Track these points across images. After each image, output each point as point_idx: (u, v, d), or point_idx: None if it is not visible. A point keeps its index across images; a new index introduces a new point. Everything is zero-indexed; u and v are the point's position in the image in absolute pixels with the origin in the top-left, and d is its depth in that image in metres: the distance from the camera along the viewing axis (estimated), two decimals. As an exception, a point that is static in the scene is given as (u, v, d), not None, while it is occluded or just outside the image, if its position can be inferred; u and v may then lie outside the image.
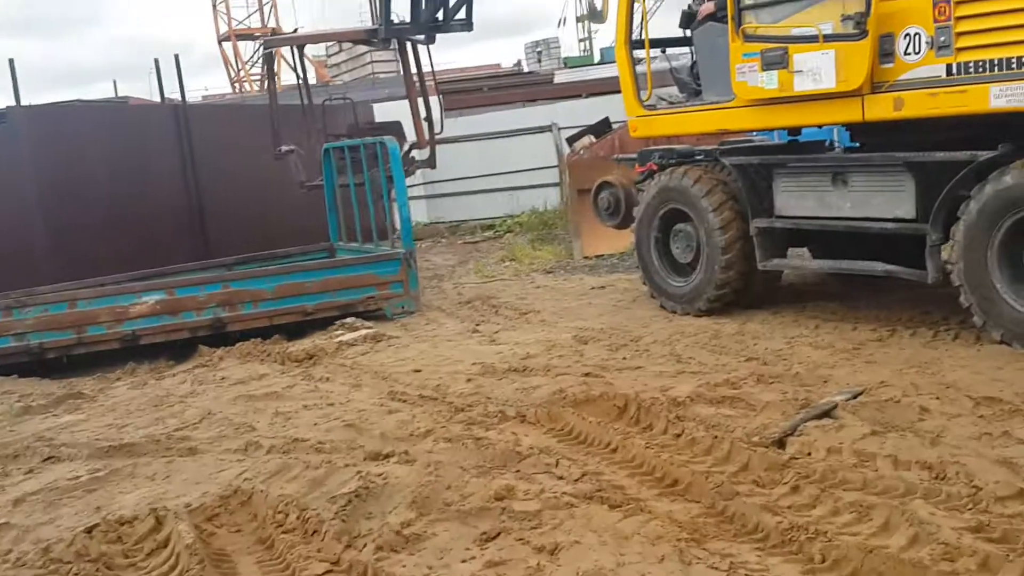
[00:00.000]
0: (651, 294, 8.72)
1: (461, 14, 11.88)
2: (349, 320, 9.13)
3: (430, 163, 13.32)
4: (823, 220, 7.30)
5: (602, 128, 15.19)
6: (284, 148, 12.39)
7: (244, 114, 15.87)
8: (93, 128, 12.33)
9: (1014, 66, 5.85)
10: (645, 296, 9.14)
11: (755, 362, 6.48)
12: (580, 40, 58.39)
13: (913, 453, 4.53)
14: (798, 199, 7.47)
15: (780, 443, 4.85)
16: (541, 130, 19.05)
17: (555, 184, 18.91)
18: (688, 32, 8.48)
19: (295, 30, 13.40)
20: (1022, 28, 5.78)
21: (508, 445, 5.22)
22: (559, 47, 47.59)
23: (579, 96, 22.95)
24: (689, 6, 8.51)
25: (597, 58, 45.24)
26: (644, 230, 8.60)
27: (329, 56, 45.00)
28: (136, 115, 14.25)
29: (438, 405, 6.27)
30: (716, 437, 4.94)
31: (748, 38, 7.23)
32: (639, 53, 8.46)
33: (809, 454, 4.70)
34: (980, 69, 6.02)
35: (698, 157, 8.58)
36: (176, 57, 13.97)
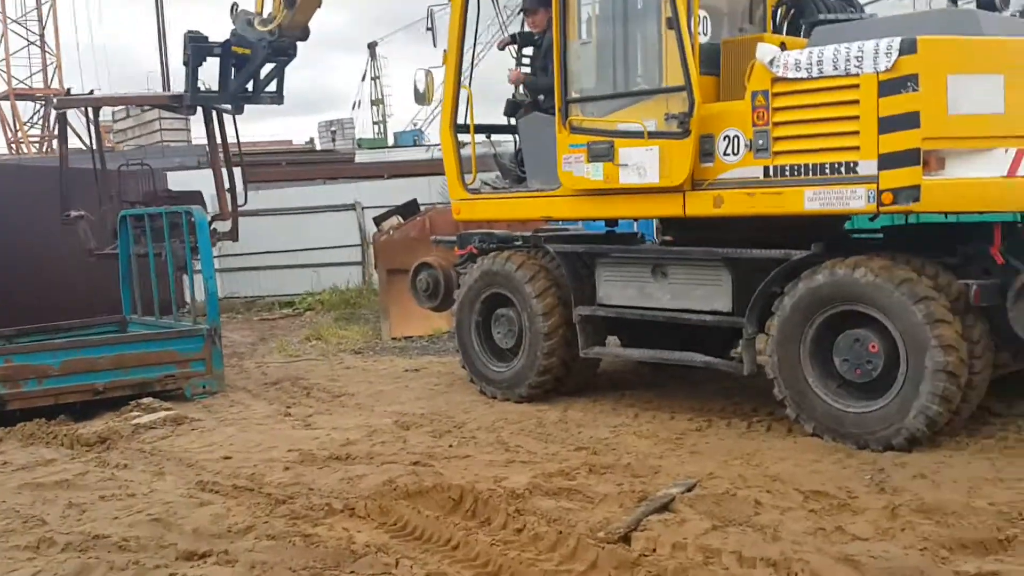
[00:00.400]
0: (471, 379, 8.60)
1: (272, 86, 11.59)
2: (146, 400, 8.43)
3: (232, 236, 12.75)
4: (644, 310, 7.47)
5: (410, 209, 15.16)
6: (73, 213, 11.50)
7: (27, 176, 14.66)
8: None
9: (827, 171, 6.24)
10: (463, 380, 9.00)
11: (585, 451, 6.45)
12: (375, 123, 58.94)
13: (756, 549, 4.57)
14: (620, 288, 7.62)
15: (625, 539, 4.77)
16: (344, 208, 18.84)
17: (358, 263, 18.67)
18: (513, 120, 8.58)
19: (91, 91, 12.59)
20: (834, 136, 6.17)
21: (340, 543, 4.88)
22: (353, 128, 47.70)
23: (381, 177, 22.94)
24: (514, 95, 8.64)
25: (391, 141, 45.69)
26: (465, 314, 8.51)
27: (115, 121, 42.90)
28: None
29: (255, 496, 5.81)
30: (560, 532, 4.82)
31: (575, 130, 7.38)
32: (463, 137, 8.48)
33: (655, 550, 4.65)
34: (795, 172, 6.39)
35: (518, 243, 8.64)
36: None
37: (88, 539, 5.12)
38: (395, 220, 14.85)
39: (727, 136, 6.69)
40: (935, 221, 6.80)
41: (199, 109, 11.67)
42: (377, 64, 58.78)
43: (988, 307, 6.13)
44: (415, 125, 54.99)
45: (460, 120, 8.44)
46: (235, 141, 12.61)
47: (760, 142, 6.50)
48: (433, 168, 21.80)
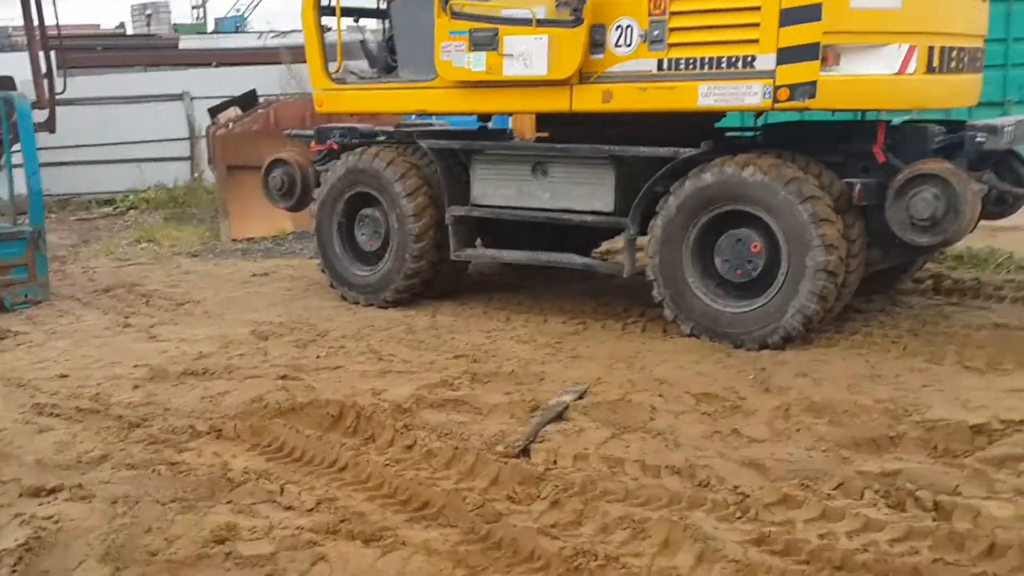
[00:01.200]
0: (331, 283, 8.05)
1: None
2: (-41, 312, 7.45)
3: (49, 126, 11.45)
4: (522, 210, 7.11)
5: (249, 100, 14.11)
6: None
7: None
8: None
9: (723, 65, 5.98)
10: (320, 285, 8.44)
11: (464, 359, 6.11)
12: (193, 7, 55.16)
13: (659, 457, 4.40)
14: (496, 187, 7.22)
15: (525, 451, 4.50)
16: (170, 98, 17.42)
17: (186, 158, 17.39)
18: (384, 3, 7.88)
19: None
20: (734, 28, 5.91)
21: (212, 469, 4.39)
22: (169, 12, 44.42)
23: (208, 64, 21.36)
24: (384, -27, 7.94)
25: (211, 27, 42.88)
26: (326, 214, 7.89)
27: None
28: None
29: (103, 420, 5.18)
30: (456, 448, 4.50)
31: (456, 15, 6.81)
32: (327, 21, 7.73)
33: (556, 462, 4.41)
34: (690, 66, 6.10)
35: (382, 138, 8.05)
36: None
37: (-96, 476, 4.40)
38: (233, 112, 13.78)
39: (620, 26, 6.31)
40: (817, 119, 6.70)
41: None
42: (193, -57, 54.83)
43: (866, 206, 6.12)
44: (238, 11, 51.95)
45: (324, 1, 7.66)
46: (53, 23, 11.26)
47: (655, 33, 6.17)
48: (267, 57, 20.49)
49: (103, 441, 4.82)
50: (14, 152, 8.96)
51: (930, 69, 6.10)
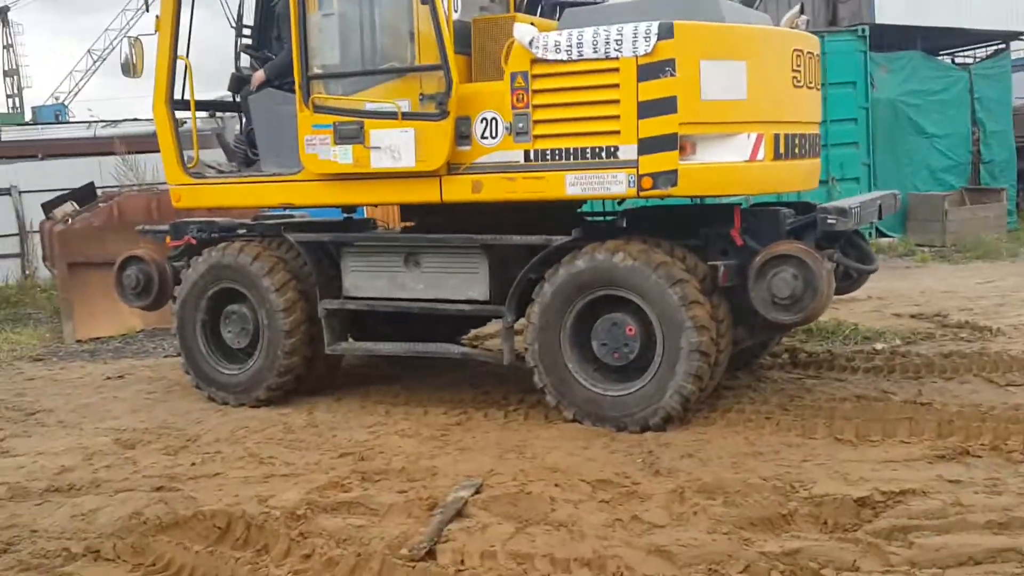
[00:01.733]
0: (196, 384, 7.72)
1: None
2: None
3: None
4: (396, 301, 7.08)
5: (86, 193, 13.58)
6: None
7: None
8: None
9: (588, 156, 6.19)
10: (183, 385, 8.10)
11: (350, 457, 5.96)
12: (9, 96, 52.90)
13: (566, 549, 4.40)
14: (369, 279, 7.16)
15: (431, 553, 4.41)
16: (-6, 193, 16.53)
17: (16, 255, 16.48)
18: (237, 97, 7.79)
19: None
20: (595, 120, 6.13)
21: (97, 598, 4.08)
22: (-19, 102, 42.50)
23: (35, 156, 20.45)
24: (239, 69, 7.86)
25: (28, 116, 41.17)
26: (189, 312, 7.61)
27: None
28: None
29: (-40, 549, 4.75)
30: (359, 555, 4.36)
31: (319, 109, 6.80)
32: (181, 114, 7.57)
33: (463, 562, 4.34)
34: (556, 157, 6.28)
35: (242, 232, 7.88)
36: None
37: None
38: (69, 207, 13.19)
39: (484, 118, 6.45)
40: (677, 204, 7.01)
41: None
42: (10, 31, 52.87)
43: (730, 287, 6.41)
44: (57, 99, 50.16)
45: (177, 95, 7.50)
46: None
47: (520, 125, 6.33)
48: (99, 147, 19.82)
49: (-36, 574, 4.43)
50: None
51: (777, 155, 6.51)
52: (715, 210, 6.88)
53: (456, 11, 6.60)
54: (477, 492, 5.16)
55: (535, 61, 6.22)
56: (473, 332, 8.85)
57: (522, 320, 6.78)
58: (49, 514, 5.19)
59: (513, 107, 6.34)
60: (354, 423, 6.83)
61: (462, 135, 6.52)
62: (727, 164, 6.28)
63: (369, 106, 6.71)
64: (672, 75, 5.94)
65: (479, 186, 6.54)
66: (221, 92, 8.91)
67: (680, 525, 4.72)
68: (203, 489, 5.49)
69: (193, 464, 6.02)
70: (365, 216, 9.66)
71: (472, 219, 6.98)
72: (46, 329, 11.82)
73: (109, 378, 8.87)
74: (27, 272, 16.15)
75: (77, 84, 53.57)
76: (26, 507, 5.32)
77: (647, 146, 6.05)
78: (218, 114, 8.41)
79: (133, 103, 56.63)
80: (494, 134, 6.45)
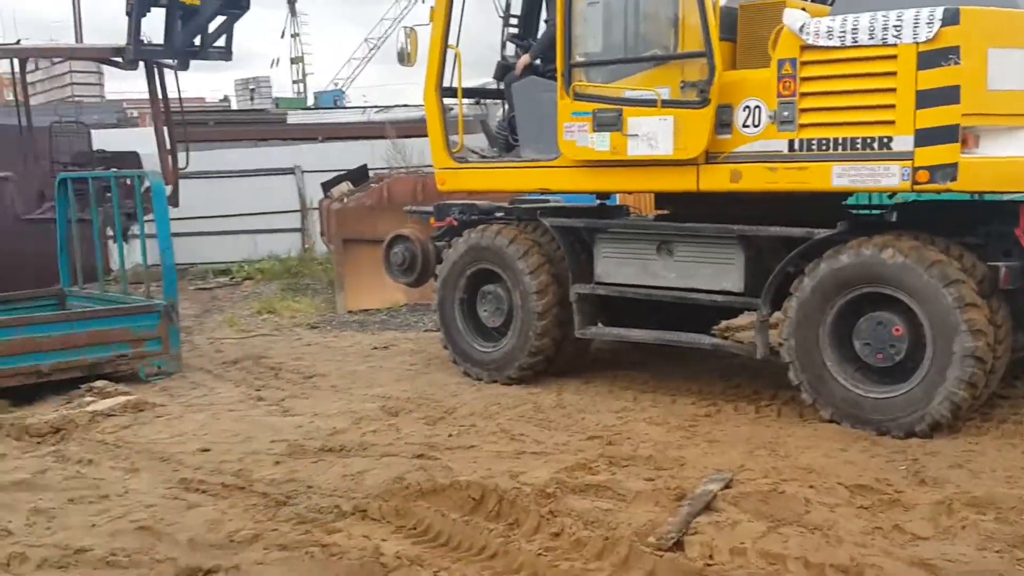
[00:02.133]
0: (453, 359, 8.10)
1: (220, 41, 10.79)
2: (99, 383, 7.70)
3: (173, 201, 11.94)
4: (647, 288, 7.08)
5: (360, 175, 14.51)
6: None
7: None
8: None
9: (858, 146, 5.91)
10: (440, 359, 8.52)
11: (597, 441, 6.05)
12: (294, 82, 57.33)
13: (822, 554, 4.25)
14: (620, 266, 7.22)
15: (679, 544, 4.40)
16: (282, 172, 17.99)
17: (297, 230, 17.89)
18: (501, 85, 8.06)
19: (17, 41, 11.53)
20: (868, 109, 5.85)
21: (365, 554, 4.39)
22: (270, 86, 46.28)
23: (315, 139, 22.06)
24: (504, 57, 8.13)
25: (310, 101, 44.42)
26: (448, 291, 7.99)
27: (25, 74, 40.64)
28: None
29: (249, 496, 5.27)
30: (606, 538, 4.42)
31: (579, 97, 6.91)
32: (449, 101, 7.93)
33: (712, 557, 4.29)
34: (823, 147, 6.05)
35: (499, 215, 8.16)
36: None
37: (67, 553, 4.53)
38: (345, 186, 14.18)
39: (747, 106, 6.31)
40: (954, 199, 6.55)
41: (141, 64, 10.80)
42: (297, 20, 57.23)
43: (1012, 289, 5.93)
44: (336, 85, 53.83)
45: (446, 83, 7.87)
46: (177, 98, 11.81)
47: (785, 113, 6.14)
48: (372, 131, 21.12)
49: (252, 520, 4.89)
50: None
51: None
52: (997, 207, 6.36)
53: (722, -3, 6.47)
54: (727, 487, 5.08)
55: (805, 47, 6.01)
56: (724, 323, 8.70)
57: (777, 314, 6.60)
58: (323, 472, 5.63)
59: (779, 95, 6.16)
60: (602, 407, 6.92)
61: (723, 123, 6.41)
62: (1014, 158, 5.80)
63: (628, 94, 6.73)
64: (956, 63, 5.55)
65: (738, 176, 6.41)
66: (484, 79, 9.27)
67: (946, 539, 4.45)
68: (459, 460, 5.76)
69: (450, 435, 6.33)
70: (618, 203, 9.72)
71: (728, 209, 6.86)
72: (321, 299, 12.80)
73: (376, 348, 9.48)
74: (306, 246, 17.53)
75: (354, 71, 57.30)
76: (302, 464, 5.80)
77: (924, 138, 5.70)
78: (482, 101, 8.70)
79: (403, 90, 59.88)
80: (757, 123, 6.30)
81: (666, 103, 6.53)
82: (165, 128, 11.65)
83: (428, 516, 4.81)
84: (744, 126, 6.36)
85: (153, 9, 10.19)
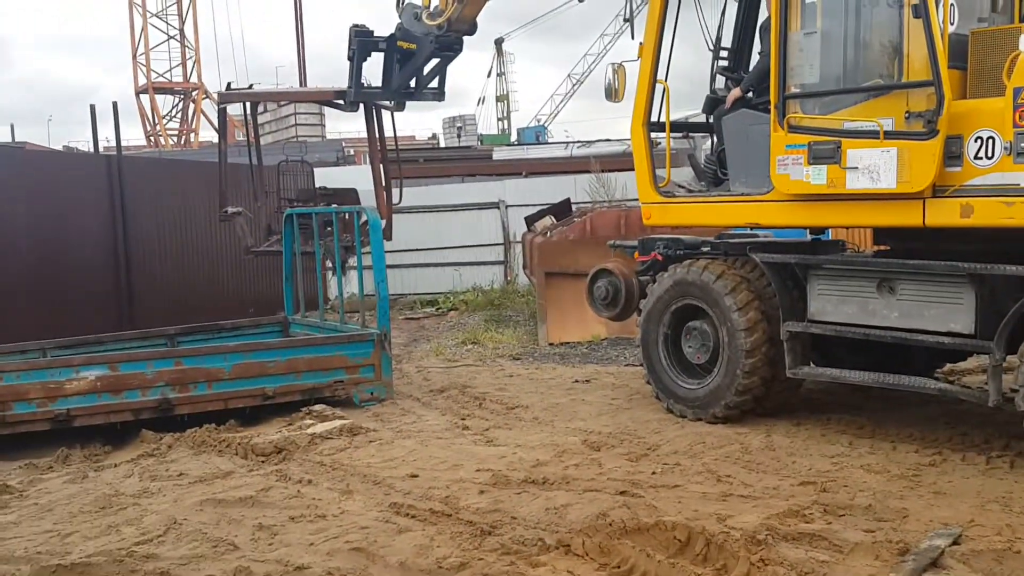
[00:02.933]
0: (656, 395, 8.00)
1: (434, 83, 11.21)
2: (317, 407, 8.13)
3: (387, 235, 12.47)
4: (866, 328, 6.73)
5: (563, 209, 14.70)
6: (231, 210, 11.38)
7: (181, 170, 14.77)
8: (13, 176, 11.15)
9: (1109, 180, 5.42)
10: (643, 394, 8.44)
11: (811, 487, 5.78)
12: (499, 119, 59.03)
13: (1067, 623, 3.86)
14: (837, 304, 6.90)
15: (903, 602, 4.12)
16: (487, 206, 18.50)
17: (500, 262, 18.30)
18: (710, 118, 7.95)
19: (250, 86, 12.42)
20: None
21: (571, 589, 4.36)
22: (476, 124, 47.82)
23: (519, 174, 22.57)
24: (714, 91, 8.02)
25: (513, 137, 45.52)
26: (653, 325, 7.90)
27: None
28: (64, 164, 13.02)
29: (455, 524, 5.36)
30: (824, 591, 4.19)
31: (793, 129, 6.70)
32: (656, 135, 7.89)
33: (941, 618, 3.99)
34: (1067, 181, 5.58)
35: (706, 249, 8.00)
36: (114, 105, 12.93)
37: (288, 570, 4.75)
38: (548, 220, 14.40)
39: (979, 137, 5.92)
40: None
41: (360, 105, 11.37)
42: (503, 60, 58.96)
43: None
44: (538, 121, 54.99)
45: (653, 117, 7.84)
46: (392, 137, 12.34)
47: (1022, 145, 5.71)
48: (574, 166, 21.41)
49: (459, 547, 4.97)
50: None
51: None
52: None
53: (952, 24, 6.11)
54: (955, 543, 4.73)
55: (1045, 73, 5.58)
56: (948, 367, 8.15)
57: (1012, 358, 6.11)
58: (526, 504, 5.66)
59: (1015, 125, 5.75)
60: (814, 451, 6.62)
61: (952, 155, 6.04)
62: None
63: (848, 125, 6.47)
64: None
65: (969, 210, 6.01)
66: (690, 113, 9.17)
67: None
68: (663, 499, 5.65)
69: (654, 473, 6.22)
70: (831, 238, 9.33)
71: (954, 245, 6.44)
72: (523, 331, 12.99)
73: (577, 381, 9.50)
74: (508, 278, 17.90)
75: (556, 107, 58.40)
76: (507, 495, 5.86)
77: None
78: (690, 135, 8.61)
79: (605, 125, 60.43)
80: (990, 154, 5.90)
81: (889, 134, 6.22)
82: (381, 166, 12.18)
83: (632, 555, 4.72)
84: (976, 158, 5.97)
85: (373, 53, 10.71)
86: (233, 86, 11.89)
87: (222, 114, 12.04)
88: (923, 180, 6.08)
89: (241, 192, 11.98)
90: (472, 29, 10.45)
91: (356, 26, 10.62)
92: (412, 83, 10.87)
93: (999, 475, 5.95)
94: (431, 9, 10.26)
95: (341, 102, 11.07)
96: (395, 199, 12.42)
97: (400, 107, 11.21)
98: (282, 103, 39.97)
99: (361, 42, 10.49)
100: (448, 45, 10.39)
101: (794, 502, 5.49)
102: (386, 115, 11.97)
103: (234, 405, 8.12)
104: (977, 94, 6.12)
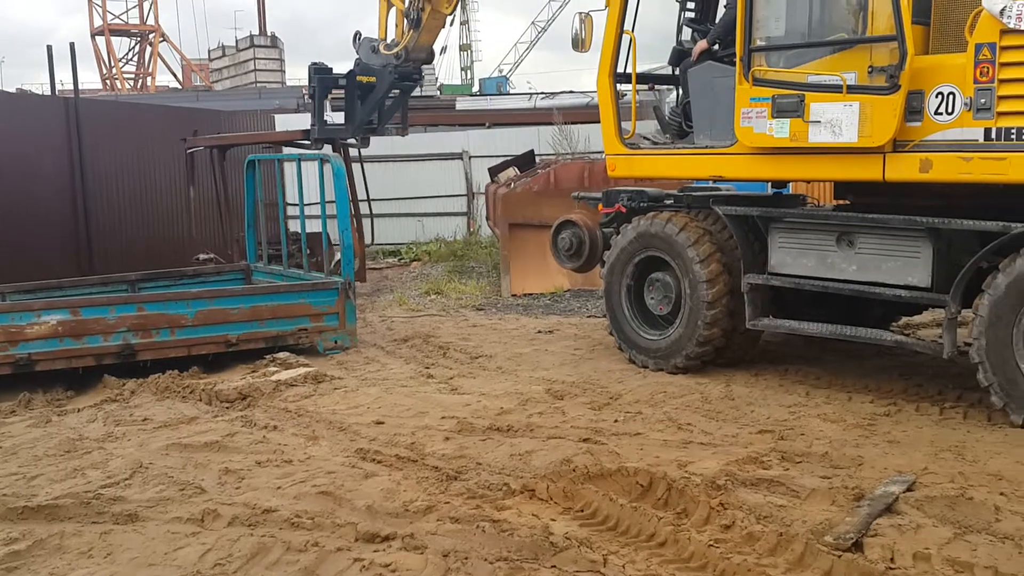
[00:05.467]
0: (619, 345, 8.10)
1: (396, 116, 11.17)
2: (281, 355, 8.12)
3: (360, 275, 12.03)
4: (824, 281, 6.86)
5: (527, 160, 14.67)
6: (202, 256, 11.32)
7: (141, 113, 14.51)
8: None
9: (1066, 136, 5.53)
10: (605, 345, 8.55)
11: (769, 435, 5.92)
12: (463, 68, 58.39)
13: (1014, 565, 4.02)
14: (796, 257, 7.01)
15: (857, 545, 4.26)
16: (450, 157, 18.39)
17: (463, 213, 18.27)
18: (676, 70, 7.96)
19: (194, 132, 12.16)
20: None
21: (535, 532, 4.45)
22: (435, 73, 47.24)
23: (483, 125, 22.40)
24: (680, 42, 8.03)
25: (476, 88, 45.10)
26: (616, 277, 7.98)
27: (212, 61, 43.12)
28: (20, 106, 12.71)
29: (421, 469, 5.43)
30: (781, 534, 4.31)
31: (758, 82, 6.75)
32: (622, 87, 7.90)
33: (894, 561, 4.13)
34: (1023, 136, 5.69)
35: (669, 202, 8.06)
36: (71, 46, 12.63)
37: (255, 512, 4.79)
38: (511, 171, 14.39)
39: (940, 93, 6.01)
40: None
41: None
42: (466, 8, 58.17)
43: None
44: (500, 71, 54.48)
45: (620, 68, 7.84)
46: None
47: (982, 101, 5.82)
48: (538, 117, 21.29)
49: (425, 492, 5.05)
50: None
51: None
52: None
53: (916, -22, 6.16)
54: (909, 489, 4.88)
55: (1006, 32, 5.67)
56: (904, 320, 8.33)
57: (966, 311, 6.27)
58: (491, 450, 5.74)
59: (976, 81, 5.84)
60: (772, 400, 6.76)
61: (913, 110, 6.13)
62: None
63: (812, 79, 6.52)
64: None
65: (928, 165, 6.12)
66: (657, 65, 9.19)
67: None
68: (625, 446, 5.76)
69: (616, 421, 6.33)
70: (792, 191, 9.44)
71: (913, 200, 6.56)
72: (486, 282, 13.02)
73: (540, 332, 9.58)
74: (471, 229, 17.88)
75: (520, 55, 57.84)
76: (472, 441, 5.93)
77: None
78: (655, 87, 8.63)
79: (568, 77, 60.01)
80: (950, 110, 5.99)
81: (852, 88, 6.29)
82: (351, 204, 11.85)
83: (596, 499, 4.82)
84: (936, 113, 6.06)
85: (333, 90, 10.72)
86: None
87: (189, 159, 11.83)
88: (884, 134, 6.17)
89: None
90: (430, 57, 10.64)
91: (315, 64, 10.65)
92: (375, 118, 10.79)
93: (952, 425, 6.12)
94: (387, 41, 10.32)
95: (307, 141, 10.97)
96: (367, 240, 11.94)
97: (365, 143, 11.09)
98: (241, 47, 39.31)
99: (321, 79, 10.54)
100: (407, 75, 10.50)
101: (752, 449, 5.62)
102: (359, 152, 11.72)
103: (197, 352, 8.09)
104: (939, 50, 6.20)
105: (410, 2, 9.99)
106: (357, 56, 10.57)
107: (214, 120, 14.71)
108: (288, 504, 4.92)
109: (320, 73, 10.57)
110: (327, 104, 10.87)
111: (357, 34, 10.62)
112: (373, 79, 10.36)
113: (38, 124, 11.86)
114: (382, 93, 10.47)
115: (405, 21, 10.11)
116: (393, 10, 10.31)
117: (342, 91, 10.62)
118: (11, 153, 11.31)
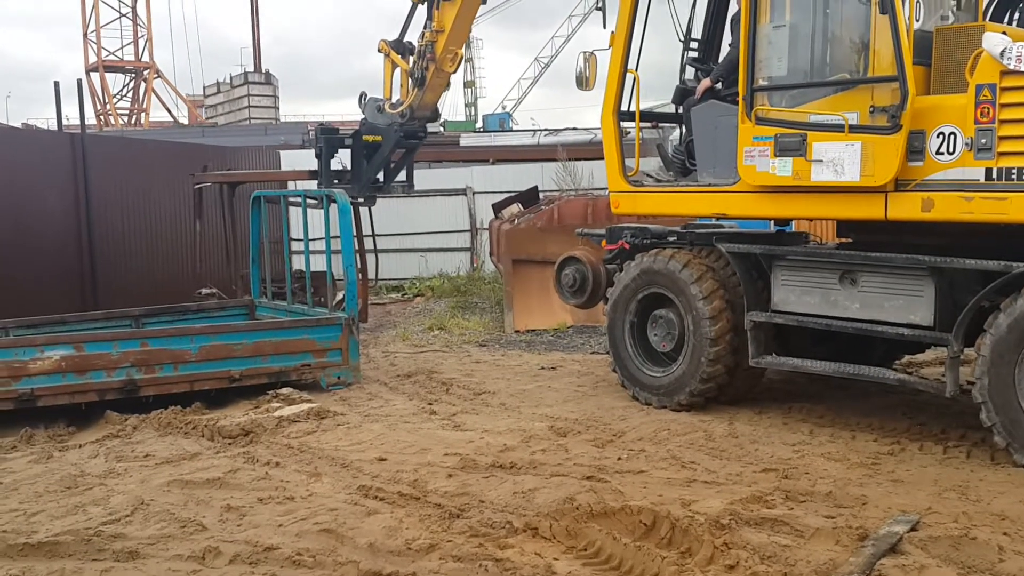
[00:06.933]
0: (622, 382, 8.09)
1: (401, 175, 11.29)
2: (284, 391, 8.12)
3: (363, 316, 12.05)
4: (827, 319, 6.87)
5: (531, 196, 14.74)
6: (205, 291, 11.36)
7: (146, 149, 14.62)
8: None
9: (1066, 176, 5.57)
10: (608, 382, 8.54)
11: (773, 474, 5.90)
12: (466, 105, 58.83)
13: (1019, 607, 4.00)
14: (799, 294, 7.02)
15: (862, 585, 4.24)
16: (454, 192, 18.48)
17: (467, 249, 18.31)
18: (679, 108, 8.03)
19: (204, 168, 12.27)
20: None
21: (538, 571, 4.44)
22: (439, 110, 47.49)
23: (486, 161, 22.54)
24: (684, 81, 8.10)
25: (479, 124, 45.42)
26: (619, 313, 7.99)
27: (206, 96, 43.51)
28: (26, 141, 12.81)
29: (424, 507, 5.41)
30: (785, 574, 4.29)
31: (761, 121, 6.80)
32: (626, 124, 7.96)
33: (898, 601, 4.11)
34: (1025, 177, 5.72)
35: (672, 239, 8.09)
36: (79, 82, 12.76)
37: (256, 550, 4.77)
38: (515, 208, 14.45)
39: (941, 133, 6.06)
40: None
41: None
42: (471, 45, 58.71)
43: None
44: (504, 108, 54.85)
45: (623, 106, 7.91)
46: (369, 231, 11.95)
47: (983, 141, 5.86)
48: (542, 153, 21.42)
49: (428, 529, 5.03)
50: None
51: None
52: None
53: (917, 20, 6.23)
54: (913, 529, 4.86)
55: (1006, 73, 5.73)
56: (907, 358, 8.32)
57: (969, 350, 6.27)
58: (494, 488, 5.72)
59: (976, 121, 5.88)
60: (776, 439, 6.74)
61: (914, 150, 6.17)
62: None
63: (814, 118, 6.58)
64: None
65: (930, 204, 6.15)
66: (660, 103, 9.25)
67: None
68: (629, 484, 5.74)
69: (619, 459, 6.31)
70: (795, 230, 9.48)
71: (916, 239, 6.58)
72: (489, 318, 13.03)
73: (543, 368, 9.58)
74: (474, 265, 17.92)
75: (523, 92, 58.28)
76: (475, 479, 5.91)
77: None
78: (659, 125, 8.70)
79: (571, 113, 60.37)
80: (951, 150, 6.03)
81: (854, 128, 6.34)
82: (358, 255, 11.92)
83: (599, 538, 4.80)
84: (938, 153, 6.10)
85: (340, 149, 10.86)
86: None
87: (197, 196, 11.92)
88: (886, 174, 6.20)
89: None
90: (435, 115, 10.80)
91: (322, 124, 10.82)
92: (381, 176, 10.91)
93: (956, 464, 6.10)
94: (392, 100, 10.48)
95: (316, 180, 11.07)
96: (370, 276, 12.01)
97: (372, 202, 11.19)
98: (236, 84, 39.51)
99: (327, 139, 10.65)
100: (412, 133, 10.64)
101: (756, 488, 5.60)
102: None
103: (200, 387, 8.08)
104: (940, 90, 6.25)
105: (414, 62, 10.16)
106: (363, 115, 10.69)
107: (219, 156, 14.81)
108: (290, 542, 4.90)
109: (326, 133, 10.75)
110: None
111: (363, 94, 10.79)
112: (379, 138, 10.49)
113: (44, 159, 11.95)
114: (388, 152, 10.58)
115: (410, 80, 10.27)
116: (398, 70, 10.47)
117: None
118: (17, 187, 11.38)
